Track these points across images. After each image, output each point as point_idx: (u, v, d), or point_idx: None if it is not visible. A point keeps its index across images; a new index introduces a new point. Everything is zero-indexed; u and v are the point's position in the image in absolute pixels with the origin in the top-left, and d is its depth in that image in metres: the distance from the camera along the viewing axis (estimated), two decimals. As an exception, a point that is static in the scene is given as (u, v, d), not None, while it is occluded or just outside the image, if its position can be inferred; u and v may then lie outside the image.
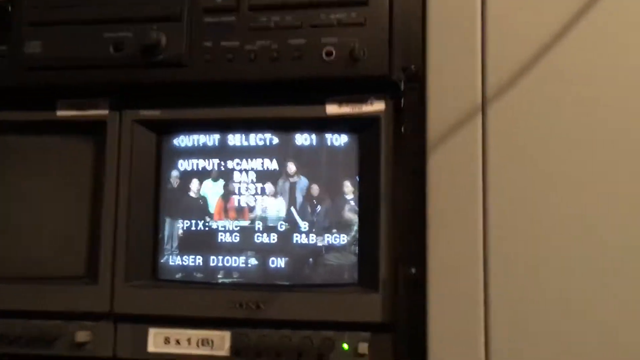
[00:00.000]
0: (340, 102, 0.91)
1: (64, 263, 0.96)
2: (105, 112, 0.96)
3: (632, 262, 0.77)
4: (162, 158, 0.97)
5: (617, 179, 0.78)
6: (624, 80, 0.79)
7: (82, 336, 0.94)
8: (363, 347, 0.87)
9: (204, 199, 0.95)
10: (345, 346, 0.88)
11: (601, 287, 0.77)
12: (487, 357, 0.78)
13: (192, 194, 0.96)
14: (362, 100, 0.90)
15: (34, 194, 0.98)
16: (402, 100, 0.87)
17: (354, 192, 0.92)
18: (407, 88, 0.87)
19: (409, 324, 0.84)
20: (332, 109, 0.91)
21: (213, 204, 0.95)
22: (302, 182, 0.93)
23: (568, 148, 0.79)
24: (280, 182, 0.94)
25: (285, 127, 0.94)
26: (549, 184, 0.79)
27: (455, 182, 0.81)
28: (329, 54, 0.87)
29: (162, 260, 0.96)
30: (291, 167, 0.94)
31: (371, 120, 0.90)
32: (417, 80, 0.86)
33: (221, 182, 0.95)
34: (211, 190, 0.95)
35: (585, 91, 0.79)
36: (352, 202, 0.92)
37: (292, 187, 0.93)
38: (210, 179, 0.96)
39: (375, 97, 0.90)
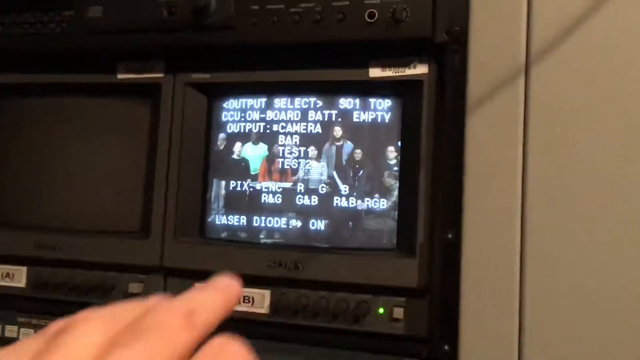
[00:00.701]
0: (383, 65, 0.90)
1: (120, 218, 1.03)
2: (160, 75, 1.00)
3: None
4: (212, 120, 1.01)
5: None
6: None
7: (135, 288, 0.99)
8: (398, 312, 0.87)
9: (246, 161, 0.98)
10: (381, 310, 0.88)
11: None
12: (521, 324, 0.76)
13: (235, 156, 0.99)
14: (405, 64, 0.89)
15: (93, 153, 1.04)
16: (446, 63, 0.85)
17: (395, 157, 0.91)
18: (450, 50, 0.85)
19: (443, 289, 0.83)
20: (375, 72, 0.91)
21: (256, 166, 0.97)
22: (347, 146, 0.94)
23: (616, 112, 0.75)
24: (327, 145, 0.94)
25: (329, 90, 0.95)
26: (594, 149, 0.75)
27: (494, 146, 0.79)
28: (371, 16, 0.86)
29: (209, 219, 0.99)
30: (337, 130, 0.94)
31: (414, 84, 0.89)
32: (461, 42, 0.84)
33: (264, 144, 0.97)
34: (254, 153, 0.98)
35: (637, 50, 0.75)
36: (394, 167, 0.91)
37: (338, 150, 0.94)
38: (251, 142, 0.98)
39: (418, 60, 0.89)
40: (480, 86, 0.80)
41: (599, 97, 0.75)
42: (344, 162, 0.94)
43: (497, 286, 0.78)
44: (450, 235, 0.83)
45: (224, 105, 1.00)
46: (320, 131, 0.95)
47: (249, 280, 0.94)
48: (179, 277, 0.98)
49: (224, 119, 1.00)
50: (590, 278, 0.74)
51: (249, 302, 0.94)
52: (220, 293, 0.32)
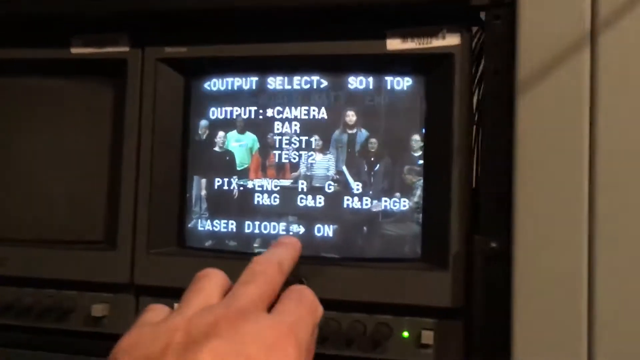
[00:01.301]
0: (404, 36, 0.74)
1: (79, 225, 0.84)
2: (125, 49, 0.82)
3: None
4: (191, 104, 0.83)
5: None
6: None
7: (99, 310, 0.82)
8: (427, 336, 0.72)
9: (230, 153, 0.81)
10: (405, 334, 0.73)
11: None
12: (591, 352, 0.61)
13: (217, 147, 0.81)
14: (432, 33, 0.73)
15: (45, 146, 0.86)
16: (484, 32, 0.69)
17: (418, 147, 0.75)
18: (490, 16, 0.69)
19: (485, 309, 0.68)
20: (393, 43, 0.74)
21: (243, 160, 0.80)
22: (362, 134, 0.77)
23: None
24: (336, 134, 0.78)
25: (337, 66, 0.78)
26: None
27: (552, 133, 0.64)
28: (391, -28, 0.70)
29: (189, 225, 0.82)
30: (351, 116, 0.77)
31: (442, 57, 0.73)
32: (505, 5, 0.68)
33: (251, 134, 0.80)
34: (237, 143, 0.80)
35: None
36: (416, 160, 0.75)
37: (351, 140, 0.77)
38: (235, 131, 0.80)
39: (448, 29, 0.72)
40: (532, 59, 0.65)
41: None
42: (356, 154, 0.77)
43: (559, 307, 0.63)
44: (494, 244, 0.67)
45: (206, 85, 0.82)
46: (325, 117, 0.78)
47: (241, 300, 0.77)
48: (154, 296, 0.81)
49: (205, 103, 0.82)
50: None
51: (242, 325, 0.77)
52: (291, 247, 0.47)
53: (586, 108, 0.63)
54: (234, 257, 0.79)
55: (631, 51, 0.62)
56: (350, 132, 0.77)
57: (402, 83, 0.77)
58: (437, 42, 0.73)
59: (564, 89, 0.63)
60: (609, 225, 0.62)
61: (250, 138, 0.81)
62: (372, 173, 0.76)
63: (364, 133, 0.77)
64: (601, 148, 0.62)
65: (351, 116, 0.77)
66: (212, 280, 0.43)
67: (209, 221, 0.81)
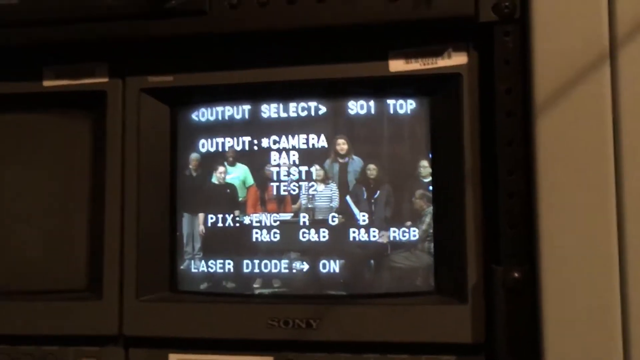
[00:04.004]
0: (407, 56, 0.70)
1: (59, 273, 0.77)
2: (103, 79, 0.76)
3: None
4: (178, 137, 0.77)
5: None
6: None
7: (85, 365, 0.74)
8: (447, 375, 0.67)
9: (231, 187, 0.75)
10: (424, 373, 0.68)
11: None
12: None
13: (216, 181, 0.75)
14: (437, 53, 0.69)
15: (20, 186, 0.79)
16: (494, 49, 0.66)
17: (427, 173, 0.71)
18: (499, 32, 0.65)
19: (509, 345, 0.63)
20: (396, 65, 0.70)
21: (244, 194, 0.74)
22: (356, 162, 0.72)
23: None
24: (327, 162, 0.73)
25: (336, 91, 0.73)
26: None
27: (575, 153, 0.60)
28: (393, -10, 0.66)
29: (182, 267, 0.76)
30: (342, 144, 0.73)
31: (449, 78, 0.69)
32: (514, 22, 0.65)
33: (253, 165, 0.75)
34: (241, 177, 0.75)
35: None
36: (426, 186, 0.71)
37: (342, 169, 0.73)
38: (239, 162, 0.75)
39: (454, 48, 0.69)
40: (549, 78, 0.61)
41: None
42: (355, 183, 0.72)
43: (592, 341, 0.59)
44: (517, 274, 0.63)
45: (194, 116, 0.77)
46: (325, 145, 0.73)
47: (244, 346, 0.72)
48: (145, 348, 0.74)
49: (194, 135, 0.76)
50: None
51: (245, 374, 0.71)
52: None
53: (609, 127, 0.60)
54: (233, 300, 0.73)
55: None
56: (341, 160, 0.72)
57: (405, 106, 0.73)
58: (442, 62, 0.69)
59: (584, 108, 0.60)
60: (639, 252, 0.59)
61: (242, 170, 0.75)
62: (373, 201, 0.72)
63: (357, 161, 0.72)
64: (628, 169, 0.59)
65: (342, 144, 0.72)
66: None
67: (203, 262, 0.75)
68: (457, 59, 0.69)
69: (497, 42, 0.66)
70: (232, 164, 0.76)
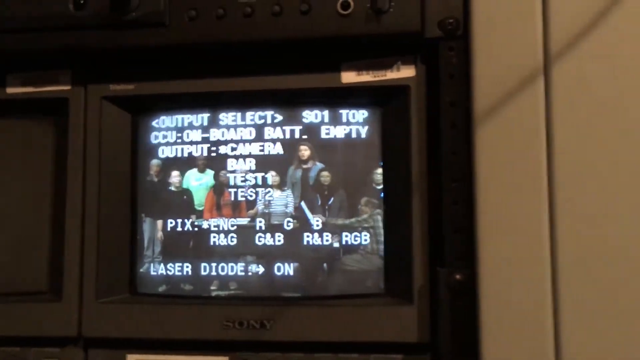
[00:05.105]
0: (358, 68, 0.73)
1: (21, 275, 0.79)
2: (66, 87, 0.78)
3: None
4: (139, 143, 0.79)
5: None
6: None
7: (44, 366, 0.76)
8: (394, 373, 0.70)
9: (188, 192, 0.77)
10: (372, 372, 0.71)
11: None
12: (561, 387, 0.61)
13: (174, 187, 0.78)
14: (387, 65, 0.73)
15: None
16: (439, 64, 0.70)
17: (377, 180, 0.74)
18: (444, 47, 0.69)
19: (453, 343, 0.67)
20: (348, 76, 0.73)
21: (201, 199, 0.77)
22: (316, 169, 0.76)
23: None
24: (291, 169, 0.76)
25: (291, 101, 0.76)
26: (630, 159, 0.62)
27: (511, 162, 0.64)
28: (345, 6, 0.69)
29: (141, 270, 0.78)
30: (304, 150, 0.76)
31: (398, 90, 0.73)
32: (458, 38, 0.68)
33: (209, 171, 0.77)
34: (197, 182, 0.77)
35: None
36: (377, 192, 0.74)
37: (305, 175, 0.75)
38: (196, 169, 0.77)
39: (403, 61, 0.72)
40: (489, 91, 0.65)
41: (634, 96, 0.62)
42: (312, 189, 0.75)
43: (526, 339, 0.62)
44: (459, 277, 0.67)
45: (154, 123, 0.79)
46: (281, 152, 0.76)
47: (200, 346, 0.74)
48: (105, 349, 0.76)
49: (154, 141, 0.79)
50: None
51: (201, 374, 0.73)
52: None
53: (543, 138, 0.64)
54: (190, 302, 0.75)
55: (584, 81, 0.63)
56: (304, 166, 0.75)
57: (357, 116, 0.76)
58: (392, 75, 0.73)
59: (520, 119, 0.64)
60: (570, 255, 0.62)
61: (210, 176, 0.77)
62: (327, 207, 0.75)
63: (317, 167, 0.75)
64: (559, 178, 0.63)
65: (303, 151, 0.75)
66: None
67: (162, 265, 0.77)
68: (406, 72, 0.73)
69: (442, 57, 0.70)
70: (202, 170, 0.78)
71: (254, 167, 0.77)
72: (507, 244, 0.63)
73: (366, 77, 0.73)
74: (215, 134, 0.78)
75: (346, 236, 0.75)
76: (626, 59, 0.63)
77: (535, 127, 0.64)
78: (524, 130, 0.64)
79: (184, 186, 0.78)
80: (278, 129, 0.77)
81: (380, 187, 0.74)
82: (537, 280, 0.63)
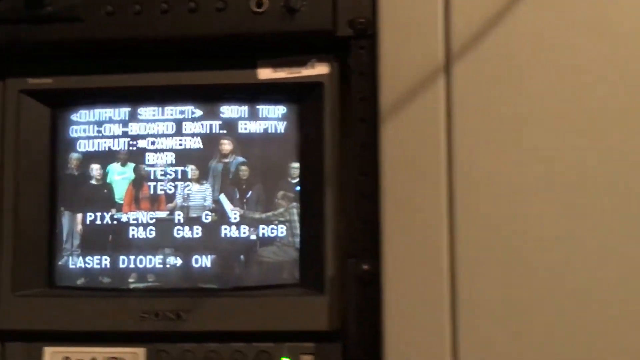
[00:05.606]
0: (274, 65, 0.75)
1: None
2: (-17, 81, 0.78)
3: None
4: (59, 137, 0.79)
5: (596, 141, 0.65)
6: (596, 36, 0.66)
7: (-41, 360, 0.75)
8: (307, 361, 0.72)
9: (109, 186, 0.78)
10: (286, 360, 0.73)
11: (579, 278, 0.64)
12: (457, 369, 0.64)
13: (94, 181, 0.78)
14: (302, 63, 0.75)
15: None
16: (350, 61, 0.72)
17: (294, 174, 0.76)
18: (355, 46, 0.72)
19: (360, 331, 0.69)
20: (265, 73, 0.75)
21: (122, 193, 0.78)
22: (235, 163, 0.77)
23: (548, 113, 0.66)
24: (212, 163, 0.77)
25: (210, 96, 0.78)
26: (526, 155, 0.65)
27: (414, 158, 0.67)
28: (259, 4, 0.71)
29: (60, 263, 0.78)
30: (225, 145, 0.77)
31: (313, 86, 0.75)
32: (368, 37, 0.71)
33: (131, 165, 0.78)
34: (119, 176, 0.78)
35: (564, 42, 0.66)
36: (293, 186, 0.76)
37: (225, 169, 0.77)
38: (118, 162, 0.78)
39: (317, 58, 0.75)
40: (394, 88, 0.68)
41: (530, 95, 0.66)
42: (231, 183, 0.77)
43: (426, 326, 0.65)
44: (366, 267, 0.69)
45: (74, 117, 0.80)
46: (200, 146, 0.78)
47: (118, 338, 0.75)
48: (21, 342, 0.76)
49: (73, 135, 0.79)
50: (536, 314, 0.64)
51: (119, 365, 0.74)
52: None
53: (443, 135, 0.67)
54: (108, 295, 0.76)
55: (483, 80, 0.67)
56: (225, 160, 0.77)
57: (275, 111, 0.78)
58: (307, 72, 0.75)
59: (423, 116, 0.67)
60: (468, 246, 0.65)
61: (131, 169, 0.78)
62: (245, 200, 0.77)
63: (237, 161, 0.77)
64: (459, 173, 0.66)
65: (226, 145, 0.77)
66: None
67: (81, 258, 0.78)
68: (320, 69, 0.75)
69: (353, 55, 0.72)
70: (124, 164, 0.79)
71: (173, 161, 0.78)
72: (408, 236, 0.66)
73: (282, 74, 0.75)
74: (134, 128, 0.78)
75: (263, 229, 0.76)
76: (524, 58, 0.67)
77: (436, 124, 0.67)
78: (426, 127, 0.67)
79: (107, 180, 0.78)
80: (197, 123, 0.78)
81: (296, 181, 0.76)
82: (436, 272, 0.66)
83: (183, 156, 0.78)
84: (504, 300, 0.65)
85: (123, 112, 0.79)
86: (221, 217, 0.77)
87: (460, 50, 0.67)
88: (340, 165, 0.74)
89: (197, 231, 0.77)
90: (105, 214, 0.78)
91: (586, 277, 0.64)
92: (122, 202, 0.78)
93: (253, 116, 0.78)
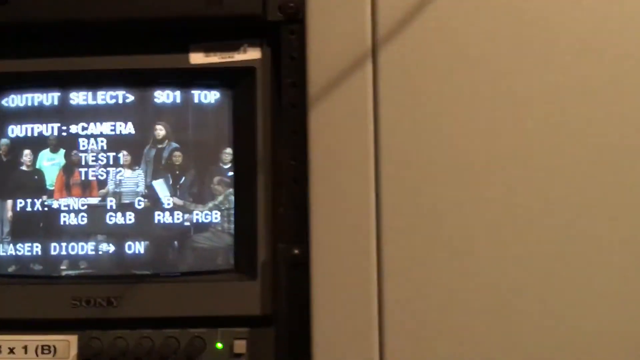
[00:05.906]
0: (206, 50, 0.75)
1: None
2: None
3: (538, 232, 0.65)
4: (-12, 123, 0.78)
5: (524, 129, 0.66)
6: (520, 23, 0.67)
7: None
8: (240, 345, 0.73)
9: (40, 172, 0.77)
10: (219, 345, 0.73)
11: (506, 268, 0.65)
12: (382, 352, 0.65)
13: (25, 167, 0.77)
14: (234, 47, 0.75)
15: None
16: (281, 46, 0.72)
17: (226, 160, 0.76)
18: (285, 30, 0.71)
19: (291, 316, 0.70)
20: (197, 57, 0.75)
21: (52, 179, 0.77)
22: (169, 149, 0.77)
23: (472, 99, 0.67)
24: (147, 148, 0.76)
25: (142, 81, 0.77)
26: (451, 142, 0.66)
27: (342, 142, 0.67)
28: (190, -13, 0.71)
29: (-10, 250, 0.77)
30: (159, 130, 0.77)
31: (245, 71, 0.75)
32: (298, 21, 0.71)
33: (62, 151, 0.77)
34: (50, 162, 0.77)
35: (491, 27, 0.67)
36: (226, 171, 0.76)
37: (158, 154, 0.76)
38: (48, 149, 0.77)
39: (249, 44, 0.74)
40: (322, 73, 0.68)
41: (456, 80, 0.66)
42: (164, 169, 0.76)
43: (353, 309, 0.66)
44: (297, 251, 0.70)
45: (3, 102, 0.78)
46: (133, 132, 0.77)
47: (49, 325, 0.74)
48: (-49, 330, 0.75)
49: (3, 121, 0.78)
50: (458, 307, 0.65)
51: (50, 352, 0.74)
52: None
53: (371, 120, 0.67)
54: (40, 282, 0.75)
55: (410, 64, 0.67)
56: (160, 146, 0.76)
57: (209, 97, 0.77)
58: (239, 57, 0.75)
59: (350, 101, 0.67)
60: (394, 230, 0.66)
61: (62, 155, 0.77)
62: (179, 186, 0.76)
63: (171, 147, 0.76)
64: (385, 159, 0.67)
65: (159, 130, 0.76)
66: None
67: (11, 245, 0.77)
68: (252, 54, 0.75)
69: (284, 40, 0.72)
70: (55, 150, 0.78)
71: (105, 147, 0.77)
72: (336, 220, 0.67)
73: (214, 59, 0.75)
74: (66, 113, 0.77)
75: (197, 215, 0.76)
76: (449, 44, 0.67)
77: (363, 109, 0.67)
78: (353, 112, 0.67)
79: (37, 166, 0.77)
80: (130, 108, 0.77)
81: (229, 166, 0.76)
82: (363, 256, 0.66)
83: (115, 142, 0.77)
84: (430, 280, 0.66)
85: (54, 96, 0.77)
86: (154, 203, 0.76)
87: (387, 36, 0.67)
88: (273, 151, 0.74)
89: (130, 217, 0.76)
90: (35, 200, 0.77)
91: (514, 271, 0.65)
92: (53, 188, 0.77)
93: (186, 101, 0.77)
